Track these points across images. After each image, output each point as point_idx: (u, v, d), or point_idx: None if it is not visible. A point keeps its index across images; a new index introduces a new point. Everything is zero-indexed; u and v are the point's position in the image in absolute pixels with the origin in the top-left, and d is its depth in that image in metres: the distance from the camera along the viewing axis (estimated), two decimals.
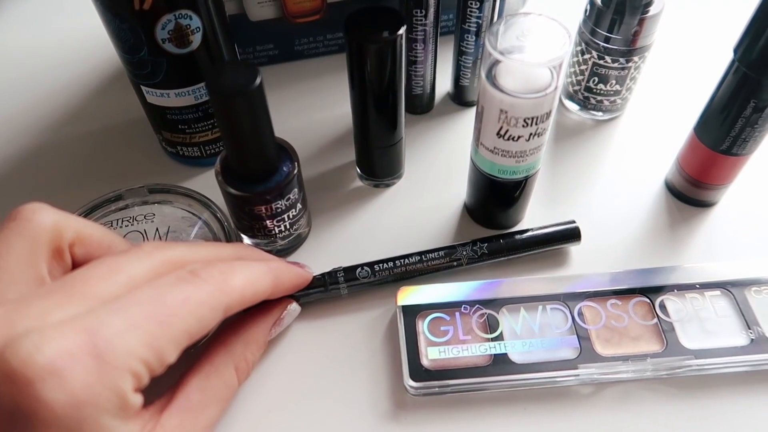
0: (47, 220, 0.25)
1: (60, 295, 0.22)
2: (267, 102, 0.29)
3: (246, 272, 0.27)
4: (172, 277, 0.24)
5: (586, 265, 0.35)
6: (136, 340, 0.22)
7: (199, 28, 0.33)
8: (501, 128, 0.30)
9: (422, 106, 0.43)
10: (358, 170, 0.40)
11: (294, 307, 0.32)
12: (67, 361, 0.20)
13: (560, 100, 0.44)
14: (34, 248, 0.24)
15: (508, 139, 0.31)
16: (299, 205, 0.34)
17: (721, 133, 0.33)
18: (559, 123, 0.43)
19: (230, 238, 0.35)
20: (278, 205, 0.33)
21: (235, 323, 0.30)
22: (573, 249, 0.36)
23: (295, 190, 0.33)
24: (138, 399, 0.22)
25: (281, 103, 0.44)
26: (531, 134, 0.30)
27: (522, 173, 0.33)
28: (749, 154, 0.34)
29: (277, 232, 0.34)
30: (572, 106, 0.43)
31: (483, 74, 0.29)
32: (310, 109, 0.44)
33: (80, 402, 0.20)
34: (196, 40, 0.33)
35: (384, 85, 0.32)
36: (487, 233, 0.36)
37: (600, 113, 0.42)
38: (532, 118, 0.29)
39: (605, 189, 0.39)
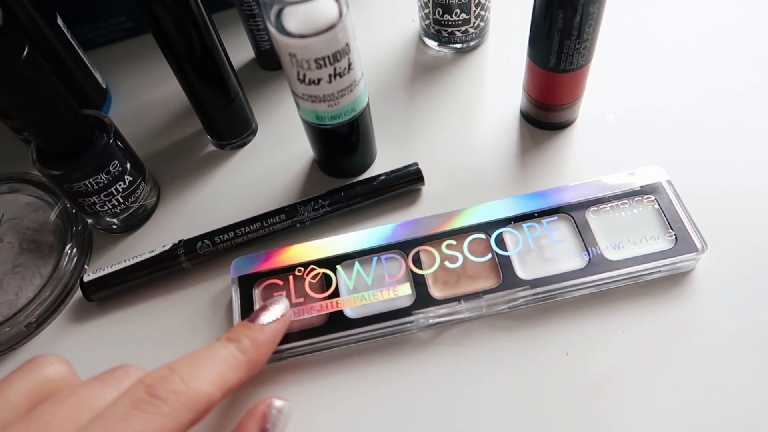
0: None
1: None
2: (49, 73, 0.28)
3: (212, 369, 0.23)
4: (125, 404, 0.21)
5: (439, 206, 0.34)
6: None
7: None
8: (298, 73, 0.29)
9: (276, 61, 0.41)
10: (208, 136, 0.39)
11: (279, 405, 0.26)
12: None
13: (421, 39, 0.42)
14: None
15: (310, 84, 0.29)
16: (128, 177, 0.33)
17: (546, 50, 0.32)
18: (418, 61, 0.41)
19: (76, 220, 0.35)
20: (99, 179, 0.32)
21: None
22: (427, 190, 0.35)
23: (116, 161, 0.32)
24: None
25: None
26: (330, 75, 0.29)
27: (344, 117, 0.32)
28: (580, 69, 0.32)
29: (110, 207, 0.33)
30: (431, 43, 0.41)
31: (270, 21, 0.28)
32: (141, 88, 0.43)
33: None
34: None
35: (191, 39, 0.31)
36: (338, 183, 0.35)
37: (459, 45, 0.41)
38: (324, 58, 0.28)
39: (461, 124, 0.38)
